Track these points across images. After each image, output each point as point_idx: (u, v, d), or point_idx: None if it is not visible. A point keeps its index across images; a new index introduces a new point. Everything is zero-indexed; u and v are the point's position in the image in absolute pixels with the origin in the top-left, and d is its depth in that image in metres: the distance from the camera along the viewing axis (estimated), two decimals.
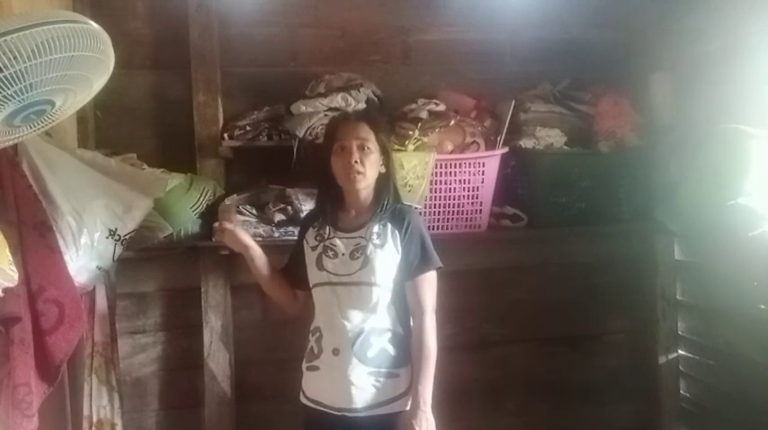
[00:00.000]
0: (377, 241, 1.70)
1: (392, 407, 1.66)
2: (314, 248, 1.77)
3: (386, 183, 1.78)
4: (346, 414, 1.66)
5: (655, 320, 2.63)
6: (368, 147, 1.71)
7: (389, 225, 1.72)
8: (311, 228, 1.81)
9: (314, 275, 1.76)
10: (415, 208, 2.08)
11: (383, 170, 1.77)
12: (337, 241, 1.73)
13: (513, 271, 2.64)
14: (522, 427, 2.66)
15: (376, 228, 1.71)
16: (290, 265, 1.87)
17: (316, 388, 1.73)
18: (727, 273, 2.26)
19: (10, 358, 1.38)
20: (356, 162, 1.68)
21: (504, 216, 2.40)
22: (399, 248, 1.71)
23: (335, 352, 1.67)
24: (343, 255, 1.71)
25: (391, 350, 1.68)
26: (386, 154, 1.77)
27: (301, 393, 1.78)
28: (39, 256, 1.50)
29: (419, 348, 1.68)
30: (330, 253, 1.73)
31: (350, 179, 1.70)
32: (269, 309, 2.46)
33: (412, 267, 1.71)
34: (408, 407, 1.66)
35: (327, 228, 1.77)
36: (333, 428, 1.68)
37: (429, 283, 1.72)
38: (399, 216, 1.74)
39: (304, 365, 1.77)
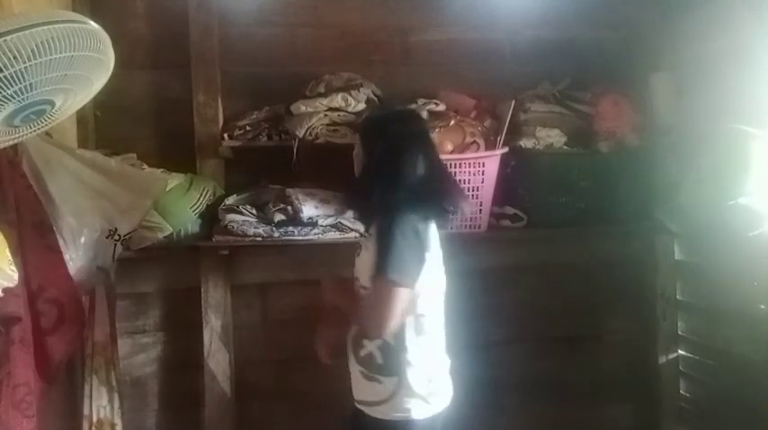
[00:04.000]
0: (367, 242, 1.67)
1: (373, 411, 1.63)
2: None
3: (372, 178, 1.66)
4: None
5: (655, 320, 2.64)
6: (356, 152, 1.75)
7: (378, 224, 1.60)
8: None
9: None
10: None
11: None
12: (364, 241, 1.75)
13: (513, 271, 2.64)
14: (522, 427, 2.66)
15: (371, 228, 1.68)
16: None
17: None
18: (727, 273, 2.26)
19: (10, 358, 1.38)
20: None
21: (504, 216, 2.40)
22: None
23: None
24: (360, 254, 1.73)
25: (378, 357, 1.62)
26: (365, 147, 1.71)
27: None
28: (39, 256, 1.50)
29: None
30: (358, 251, 1.75)
31: None
32: (269, 308, 2.46)
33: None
34: (388, 417, 1.61)
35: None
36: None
37: (375, 296, 1.52)
38: (390, 214, 1.55)
39: None
